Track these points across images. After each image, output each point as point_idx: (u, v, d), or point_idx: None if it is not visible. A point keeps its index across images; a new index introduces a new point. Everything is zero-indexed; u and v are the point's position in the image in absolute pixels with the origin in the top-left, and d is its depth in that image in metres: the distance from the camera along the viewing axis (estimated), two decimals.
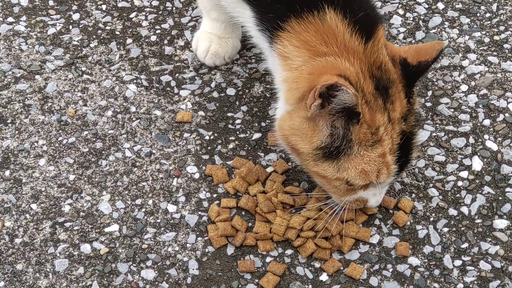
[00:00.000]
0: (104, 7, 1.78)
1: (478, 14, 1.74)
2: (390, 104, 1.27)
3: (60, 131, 1.56)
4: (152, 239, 1.41)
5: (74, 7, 1.78)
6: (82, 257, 1.39)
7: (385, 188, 1.37)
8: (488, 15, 1.73)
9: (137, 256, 1.39)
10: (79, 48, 1.70)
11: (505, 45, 1.68)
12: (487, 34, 1.70)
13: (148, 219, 1.44)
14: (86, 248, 1.40)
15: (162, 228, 1.43)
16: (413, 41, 1.70)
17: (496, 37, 1.69)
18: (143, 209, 1.45)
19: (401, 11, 1.76)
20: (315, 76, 1.25)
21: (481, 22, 1.72)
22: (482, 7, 1.75)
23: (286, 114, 1.32)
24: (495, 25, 1.71)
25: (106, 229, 1.42)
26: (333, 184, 1.32)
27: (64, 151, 1.53)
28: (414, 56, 1.30)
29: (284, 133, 1.31)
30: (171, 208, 1.46)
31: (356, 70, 1.25)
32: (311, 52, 1.26)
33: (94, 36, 1.73)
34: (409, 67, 1.29)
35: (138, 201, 1.46)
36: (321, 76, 1.23)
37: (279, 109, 1.37)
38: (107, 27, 1.75)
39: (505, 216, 1.42)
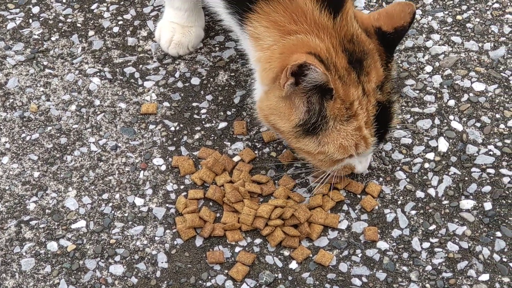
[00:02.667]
0: None
1: None
2: (365, 76, 1.28)
3: (23, 128, 1.54)
4: (120, 234, 1.41)
5: (34, 0, 1.75)
6: (49, 255, 1.38)
7: (370, 154, 1.39)
8: None
9: (105, 252, 1.38)
10: (40, 42, 1.68)
11: (468, 25, 1.68)
12: (450, 14, 1.70)
13: (115, 214, 1.43)
14: (52, 246, 1.38)
15: (130, 222, 1.42)
16: None
17: (458, 17, 1.69)
18: (110, 204, 1.44)
19: None
20: (286, 55, 1.25)
21: (444, 2, 1.72)
22: None
23: (263, 94, 1.33)
24: (457, 5, 1.71)
25: (73, 226, 1.41)
26: (318, 158, 1.34)
27: (28, 147, 1.51)
28: (388, 23, 1.30)
29: (264, 113, 1.33)
30: (138, 201, 1.45)
31: (327, 46, 1.25)
32: (281, 32, 1.27)
33: (55, 29, 1.70)
34: (385, 35, 1.30)
35: (105, 196, 1.45)
36: (291, 55, 1.23)
37: (256, 90, 1.38)
38: (68, 20, 1.72)
39: (471, 197, 1.43)
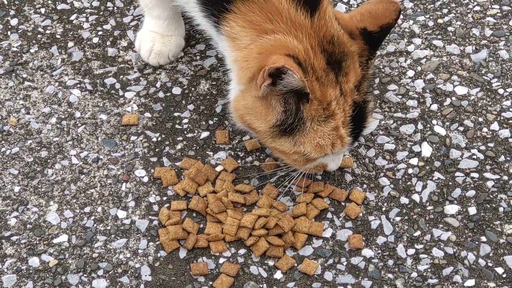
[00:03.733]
0: (43, 10, 1.74)
1: None
2: (343, 77, 1.28)
3: (3, 142, 1.53)
4: (103, 247, 1.39)
5: (12, 12, 1.74)
6: (31, 271, 1.36)
7: (343, 153, 1.39)
8: None
9: (87, 266, 1.37)
10: (19, 54, 1.66)
11: (449, 28, 1.67)
12: (431, 17, 1.70)
13: (97, 227, 1.42)
14: (34, 261, 1.37)
15: (113, 235, 1.41)
16: None
17: (440, 20, 1.69)
18: (92, 217, 1.43)
19: None
20: (264, 56, 1.25)
21: (425, 6, 1.72)
22: None
23: (239, 93, 1.32)
24: (438, 8, 1.71)
25: (55, 240, 1.40)
26: (292, 158, 1.34)
27: (8, 162, 1.50)
28: (374, 23, 1.30)
29: (239, 113, 1.33)
30: (121, 214, 1.43)
31: (305, 47, 1.25)
32: (257, 31, 1.27)
33: (34, 41, 1.69)
34: (371, 34, 1.30)
35: (87, 209, 1.44)
36: (270, 56, 1.23)
37: (232, 90, 1.37)
38: (47, 31, 1.71)
39: (455, 202, 1.42)
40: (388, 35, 1.65)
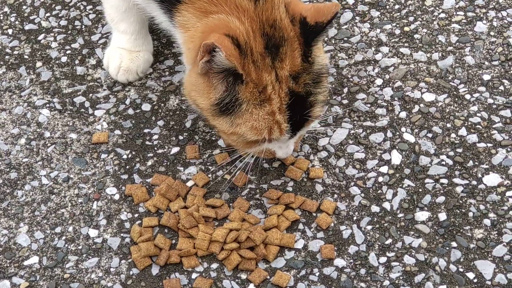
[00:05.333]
0: (10, 31, 1.74)
1: (387, 7, 1.74)
2: (279, 62, 1.29)
3: None
4: (74, 267, 1.38)
5: None
6: None
7: (292, 141, 1.39)
8: (397, 6, 1.74)
9: (59, 287, 1.36)
10: None
11: (416, 36, 1.68)
12: (398, 25, 1.71)
13: (69, 247, 1.41)
14: (5, 284, 1.36)
15: (84, 255, 1.40)
16: (326, 38, 1.69)
17: (406, 28, 1.70)
18: (64, 237, 1.42)
19: None
20: (206, 34, 1.28)
21: (391, 14, 1.73)
22: None
23: (187, 72, 1.38)
24: (404, 16, 1.72)
25: (25, 262, 1.39)
26: (231, 138, 1.37)
27: None
28: (314, 16, 1.32)
29: (187, 90, 1.37)
30: (93, 232, 1.43)
31: (247, 29, 1.27)
32: (203, 13, 1.31)
33: (1, 62, 1.68)
34: (307, 26, 1.31)
35: (58, 229, 1.43)
36: (210, 34, 1.26)
37: (186, 71, 1.41)
38: (15, 52, 1.70)
39: (425, 208, 1.43)
40: (356, 45, 1.67)
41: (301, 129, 1.37)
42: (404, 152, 1.51)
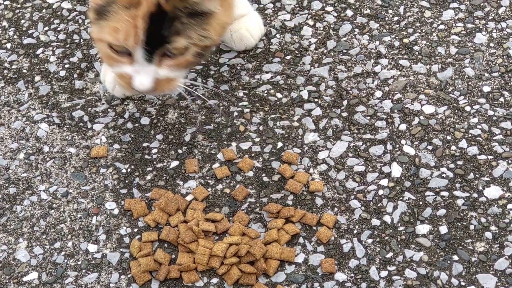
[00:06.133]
0: (8, 45, 1.74)
1: (386, 18, 1.74)
2: None
3: None
4: (74, 283, 1.38)
5: None
6: None
7: (150, 71, 1.37)
8: (396, 18, 1.74)
9: None
10: None
11: (415, 47, 1.68)
12: (397, 37, 1.70)
13: (68, 262, 1.40)
14: None
15: (84, 270, 1.39)
16: (325, 50, 1.69)
17: (405, 40, 1.69)
18: (63, 252, 1.42)
19: (310, 22, 1.75)
20: None
21: (390, 26, 1.73)
22: (390, 11, 1.75)
23: None
24: (403, 28, 1.72)
25: (25, 278, 1.38)
26: (100, 47, 1.39)
27: None
28: None
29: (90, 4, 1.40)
30: (92, 248, 1.42)
31: None
32: None
33: (0, 77, 1.68)
34: None
35: (57, 245, 1.42)
36: None
37: None
38: (14, 66, 1.70)
39: (426, 221, 1.42)
40: (355, 57, 1.66)
41: (157, 50, 1.35)
42: (404, 165, 1.50)
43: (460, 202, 1.44)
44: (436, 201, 1.44)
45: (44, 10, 1.80)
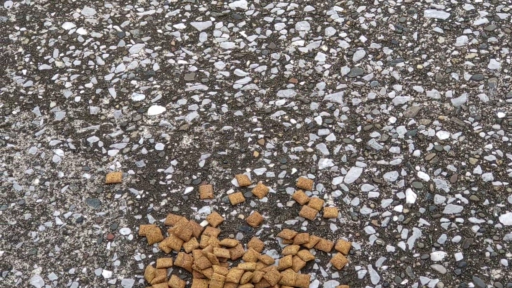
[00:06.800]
0: (24, 71, 1.75)
1: (400, 44, 1.74)
2: None
3: None
4: None
5: None
6: None
7: None
8: (409, 44, 1.74)
9: None
10: (1, 116, 1.67)
11: (429, 73, 1.68)
12: (411, 63, 1.71)
13: None
14: None
15: None
16: (339, 76, 1.69)
17: (419, 66, 1.70)
18: (77, 279, 1.42)
19: (324, 48, 1.76)
20: None
21: (404, 52, 1.73)
22: (404, 37, 1.76)
23: None
24: (417, 54, 1.72)
25: None
26: None
27: None
28: None
29: None
30: (106, 274, 1.42)
31: None
32: None
33: (16, 103, 1.69)
34: None
35: (72, 271, 1.43)
36: None
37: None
38: (29, 92, 1.71)
39: (441, 248, 1.41)
40: (369, 83, 1.67)
41: None
42: (418, 191, 1.50)
43: (475, 228, 1.43)
44: (451, 227, 1.44)
45: (59, 37, 1.82)
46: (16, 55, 1.79)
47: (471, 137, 1.57)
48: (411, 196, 1.49)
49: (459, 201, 1.47)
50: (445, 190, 1.49)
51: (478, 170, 1.51)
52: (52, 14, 1.87)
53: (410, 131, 1.59)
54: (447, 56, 1.71)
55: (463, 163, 1.53)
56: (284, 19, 1.82)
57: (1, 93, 1.71)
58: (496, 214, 1.45)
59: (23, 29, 1.84)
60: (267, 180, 1.53)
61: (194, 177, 1.55)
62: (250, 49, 1.77)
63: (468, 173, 1.51)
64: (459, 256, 1.40)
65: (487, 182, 1.50)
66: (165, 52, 1.77)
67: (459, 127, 1.58)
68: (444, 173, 1.51)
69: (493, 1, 1.80)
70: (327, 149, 1.57)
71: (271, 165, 1.55)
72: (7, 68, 1.76)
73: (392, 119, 1.61)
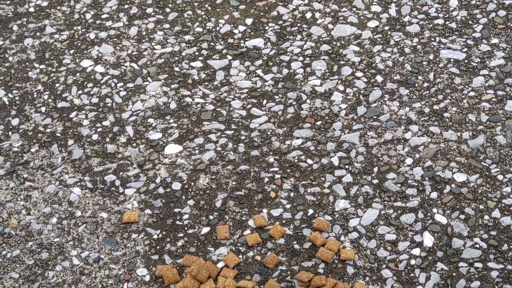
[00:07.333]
0: (43, 109, 1.77)
1: (416, 85, 1.75)
2: None
3: (4, 245, 1.52)
4: None
5: (13, 112, 1.76)
6: None
7: None
8: (426, 84, 1.75)
9: None
10: (19, 154, 1.68)
11: (445, 114, 1.68)
12: (427, 104, 1.71)
13: None
14: None
15: None
16: (355, 116, 1.70)
17: (435, 107, 1.70)
18: None
19: (341, 87, 1.76)
20: None
21: (420, 92, 1.73)
22: (420, 77, 1.76)
23: None
24: (433, 95, 1.73)
25: None
26: None
27: (9, 265, 1.49)
28: None
29: None
30: None
31: None
32: None
33: (34, 140, 1.70)
34: None
35: None
36: None
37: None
38: (48, 130, 1.73)
39: None
40: (385, 124, 1.67)
41: None
42: (436, 234, 1.49)
43: (494, 274, 1.42)
44: (470, 272, 1.43)
45: (78, 74, 1.84)
46: (35, 93, 1.80)
47: (488, 179, 1.57)
48: (428, 239, 1.49)
49: (477, 245, 1.47)
50: (463, 233, 1.49)
51: (496, 213, 1.51)
52: (71, 51, 1.89)
53: (427, 173, 1.59)
54: (463, 97, 1.71)
55: (481, 206, 1.52)
56: (301, 58, 1.83)
57: (20, 131, 1.72)
58: None
59: (43, 66, 1.86)
60: (283, 221, 1.53)
61: (211, 217, 1.55)
62: (266, 88, 1.78)
63: (486, 217, 1.51)
64: None
65: (506, 226, 1.49)
66: (182, 90, 1.79)
67: (477, 169, 1.58)
68: (462, 216, 1.51)
69: (510, 42, 1.81)
70: (343, 190, 1.57)
71: (288, 206, 1.55)
72: (26, 106, 1.77)
73: (409, 160, 1.61)
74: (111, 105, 1.77)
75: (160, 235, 1.53)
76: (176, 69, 1.84)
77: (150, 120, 1.73)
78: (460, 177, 1.57)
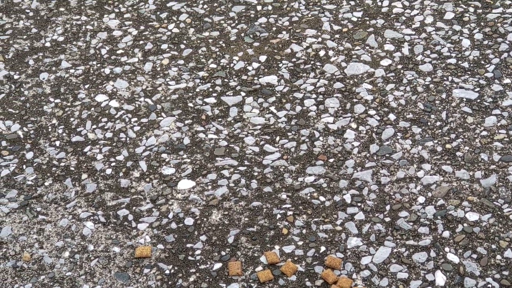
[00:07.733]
0: (57, 143, 1.78)
1: (429, 123, 1.76)
2: None
3: (16, 278, 1.53)
4: None
5: (27, 146, 1.78)
6: None
7: None
8: (438, 123, 1.75)
9: None
10: (33, 187, 1.69)
11: (458, 153, 1.69)
12: (439, 142, 1.72)
13: None
14: None
15: None
16: (368, 154, 1.71)
17: (448, 146, 1.71)
18: None
19: (353, 125, 1.77)
20: None
21: (433, 131, 1.74)
22: (432, 116, 1.77)
23: None
24: (446, 133, 1.73)
25: None
26: None
27: None
28: None
29: None
30: None
31: None
32: None
33: (48, 174, 1.72)
34: None
35: None
36: None
37: None
38: (62, 164, 1.74)
39: None
40: (398, 162, 1.68)
41: None
42: (448, 273, 1.49)
43: None
44: None
45: (92, 109, 1.86)
46: (50, 126, 1.82)
47: (501, 219, 1.56)
48: (440, 278, 1.48)
49: (489, 285, 1.46)
50: (475, 273, 1.48)
51: (508, 253, 1.51)
52: (86, 86, 1.91)
53: (439, 212, 1.59)
54: (476, 136, 1.72)
55: (493, 246, 1.52)
56: (314, 96, 1.85)
57: (35, 164, 1.74)
58: None
59: (58, 100, 1.88)
60: (295, 258, 1.53)
61: (223, 253, 1.55)
62: (279, 124, 1.79)
63: (498, 257, 1.50)
64: None
65: None
66: (196, 126, 1.80)
67: (489, 209, 1.58)
68: (474, 256, 1.51)
69: None
70: (356, 227, 1.57)
71: (300, 243, 1.55)
72: (41, 139, 1.79)
73: (421, 199, 1.62)
74: (125, 139, 1.78)
75: (172, 270, 1.53)
76: (190, 105, 1.85)
77: (164, 155, 1.74)
78: (473, 217, 1.57)
